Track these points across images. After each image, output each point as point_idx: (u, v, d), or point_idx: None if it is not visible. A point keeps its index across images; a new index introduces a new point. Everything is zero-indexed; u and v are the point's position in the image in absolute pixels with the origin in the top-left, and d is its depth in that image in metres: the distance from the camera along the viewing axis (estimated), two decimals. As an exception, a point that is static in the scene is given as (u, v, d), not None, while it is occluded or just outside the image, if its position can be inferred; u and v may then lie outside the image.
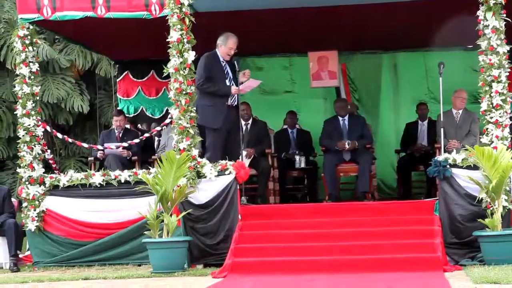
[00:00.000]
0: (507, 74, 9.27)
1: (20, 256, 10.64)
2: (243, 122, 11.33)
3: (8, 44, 15.20)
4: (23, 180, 10.27)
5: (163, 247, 9.07)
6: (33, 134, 10.30)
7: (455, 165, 9.30)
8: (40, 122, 10.41)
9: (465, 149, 9.32)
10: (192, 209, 9.60)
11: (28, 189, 10.22)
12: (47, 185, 10.26)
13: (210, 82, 9.91)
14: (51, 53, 15.91)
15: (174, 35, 9.70)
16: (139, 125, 13.71)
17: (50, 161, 10.97)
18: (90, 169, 11.35)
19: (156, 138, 12.79)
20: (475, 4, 9.29)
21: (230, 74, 10.07)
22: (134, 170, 10.24)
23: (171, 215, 9.19)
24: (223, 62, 10.05)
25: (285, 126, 13.02)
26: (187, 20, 9.68)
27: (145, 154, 11.99)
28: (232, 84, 10.03)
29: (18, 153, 10.42)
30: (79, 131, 17.16)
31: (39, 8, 10.16)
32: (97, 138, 14.24)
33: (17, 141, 10.43)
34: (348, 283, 7.93)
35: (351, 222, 9.54)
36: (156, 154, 11.80)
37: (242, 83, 10.02)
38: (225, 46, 9.98)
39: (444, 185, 9.33)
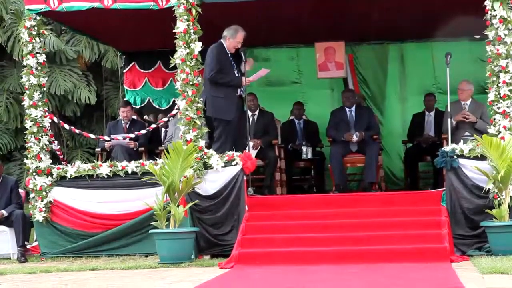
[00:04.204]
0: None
1: (28, 246, 10.67)
2: (250, 113, 11.32)
3: (15, 35, 15.20)
4: (31, 171, 10.30)
5: (170, 237, 9.09)
6: (40, 125, 10.33)
7: (462, 156, 9.28)
8: (47, 113, 10.43)
9: (473, 139, 9.29)
10: (199, 200, 9.62)
11: (35, 180, 10.25)
12: (54, 176, 10.29)
13: (222, 74, 9.90)
14: (58, 44, 15.92)
15: (180, 26, 9.70)
16: (145, 116, 13.71)
17: (57, 152, 10.99)
18: (97, 160, 11.35)
19: (163, 129, 12.79)
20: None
21: (235, 65, 10.07)
22: (141, 161, 10.25)
23: (178, 206, 9.20)
24: (228, 53, 10.04)
25: (292, 117, 13.00)
26: (193, 11, 9.69)
27: (152, 145, 12.00)
28: (239, 75, 10.03)
29: (26, 144, 10.46)
30: (86, 122, 17.18)
31: (46, -1, 10.18)
32: (104, 129, 14.25)
33: (25, 132, 10.47)
34: (355, 274, 7.93)
35: (358, 212, 9.54)
36: (163, 145, 11.81)
37: (246, 72, 10.01)
38: (234, 39, 9.97)
39: (451, 175, 9.32)
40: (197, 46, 9.70)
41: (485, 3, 9.26)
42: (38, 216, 10.22)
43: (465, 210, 9.23)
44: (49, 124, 10.44)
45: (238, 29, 9.97)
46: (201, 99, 9.82)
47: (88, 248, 10.17)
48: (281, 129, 12.36)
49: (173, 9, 9.78)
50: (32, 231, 10.86)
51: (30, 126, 10.32)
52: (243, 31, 9.96)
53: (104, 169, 10.13)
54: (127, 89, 14.04)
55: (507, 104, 9.18)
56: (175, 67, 9.92)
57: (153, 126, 11.12)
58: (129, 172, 10.07)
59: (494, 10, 9.21)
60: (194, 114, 9.71)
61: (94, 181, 10.18)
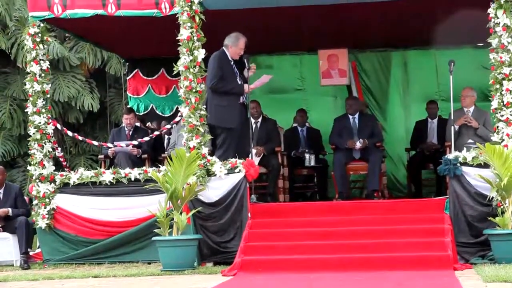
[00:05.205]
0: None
1: (31, 253, 10.67)
2: (253, 120, 11.34)
3: (19, 42, 15.22)
4: (34, 178, 10.31)
5: (173, 245, 9.09)
6: (44, 132, 10.34)
7: (465, 163, 9.28)
8: (50, 120, 10.44)
9: (476, 147, 9.29)
10: (202, 207, 9.61)
11: (38, 186, 10.25)
12: (57, 183, 10.29)
13: (224, 82, 9.90)
14: (62, 51, 15.93)
15: (184, 33, 9.72)
16: (148, 124, 13.73)
17: (61, 159, 11.00)
18: (100, 167, 11.36)
19: (166, 136, 12.79)
20: (486, 1, 9.26)
21: (238, 72, 10.08)
22: (144, 168, 10.25)
23: (181, 213, 9.20)
24: (231, 61, 10.05)
25: (295, 124, 13.01)
26: (197, 18, 9.71)
27: (155, 152, 12.00)
28: (242, 82, 10.03)
29: (29, 151, 10.46)
30: (89, 129, 17.18)
31: (49, 6, 10.21)
32: (107, 136, 14.25)
33: (28, 139, 10.47)
34: (358, 281, 7.92)
35: (361, 220, 9.53)
36: (166, 152, 11.81)
37: (248, 79, 10.03)
38: (236, 47, 9.97)
39: (454, 183, 9.31)
40: (201, 53, 9.71)
41: (489, 10, 9.27)
42: (41, 223, 10.22)
43: (468, 218, 9.22)
44: (52, 131, 10.45)
45: (239, 36, 9.98)
46: (204, 106, 9.83)
47: (91, 255, 10.16)
48: (284, 137, 12.35)
49: (177, 16, 9.79)
50: (35, 238, 10.87)
51: (34, 133, 10.33)
52: (244, 37, 9.97)
53: (107, 176, 10.13)
54: (130, 96, 14.06)
55: (510, 111, 9.18)
56: (178, 74, 9.93)
57: (156, 133, 11.13)
58: (132, 179, 10.07)
59: (498, 18, 9.22)
60: (197, 121, 9.71)
61: (97, 188, 10.18)
